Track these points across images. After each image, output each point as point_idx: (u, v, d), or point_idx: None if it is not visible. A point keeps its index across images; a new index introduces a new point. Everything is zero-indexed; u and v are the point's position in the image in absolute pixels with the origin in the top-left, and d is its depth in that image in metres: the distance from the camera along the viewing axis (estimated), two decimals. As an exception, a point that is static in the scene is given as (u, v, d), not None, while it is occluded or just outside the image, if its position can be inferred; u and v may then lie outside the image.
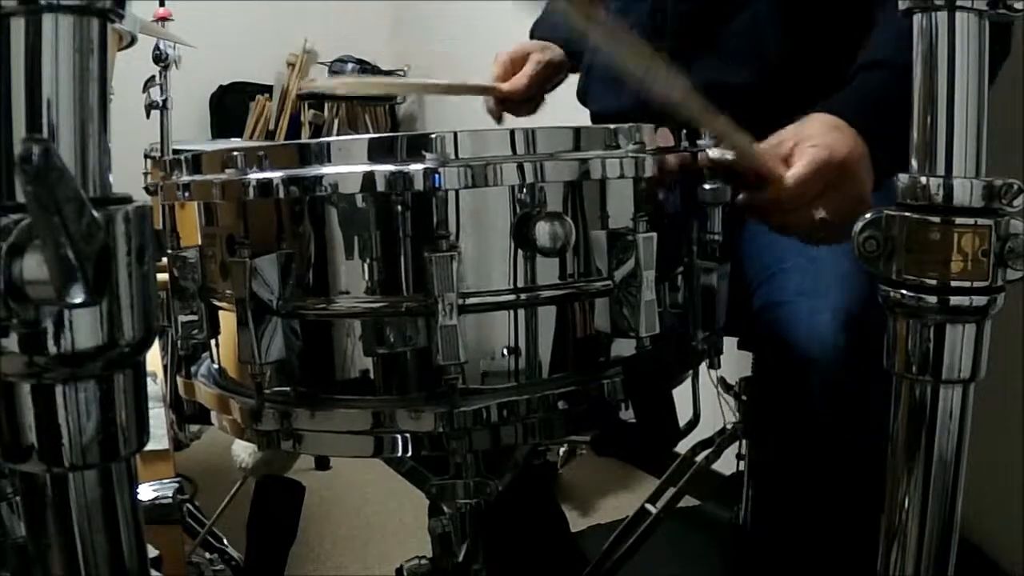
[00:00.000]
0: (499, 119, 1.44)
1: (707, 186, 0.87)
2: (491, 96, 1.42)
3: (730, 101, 1.12)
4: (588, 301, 0.80)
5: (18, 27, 0.40)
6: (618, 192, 0.81)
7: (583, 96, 1.39)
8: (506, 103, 1.42)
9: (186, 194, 0.84)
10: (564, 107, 1.42)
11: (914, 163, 0.57)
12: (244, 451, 1.58)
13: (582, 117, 1.39)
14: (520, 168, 0.74)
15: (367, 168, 0.74)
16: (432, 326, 0.73)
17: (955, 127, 0.56)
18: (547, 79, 1.42)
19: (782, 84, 1.07)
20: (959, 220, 0.55)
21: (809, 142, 0.86)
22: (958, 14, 0.55)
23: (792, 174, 0.84)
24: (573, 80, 1.43)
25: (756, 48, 1.12)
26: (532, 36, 1.49)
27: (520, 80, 1.38)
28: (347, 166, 0.75)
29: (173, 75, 2.24)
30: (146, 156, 2.44)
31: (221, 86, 3.96)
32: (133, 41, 1.68)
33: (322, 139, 0.90)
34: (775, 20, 1.11)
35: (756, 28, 1.12)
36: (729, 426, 1.51)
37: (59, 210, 0.36)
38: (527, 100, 1.42)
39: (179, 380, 0.93)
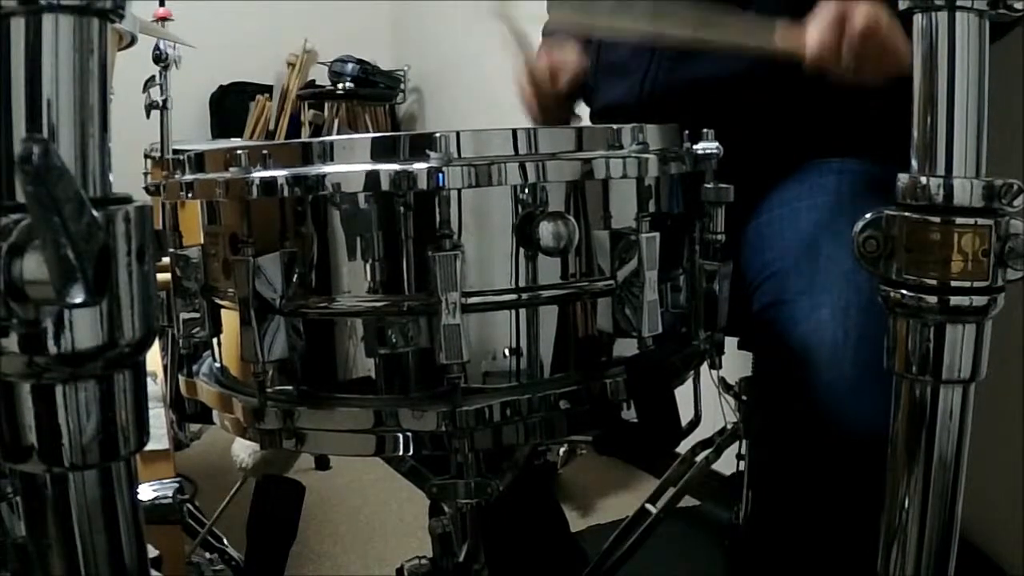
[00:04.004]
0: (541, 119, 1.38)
1: (710, 185, 0.87)
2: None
3: (736, 92, 1.12)
4: (590, 301, 0.80)
5: (18, 27, 0.40)
6: (621, 192, 0.81)
7: (590, 90, 1.38)
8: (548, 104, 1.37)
9: (189, 193, 0.84)
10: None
11: (914, 163, 0.57)
12: (244, 451, 1.57)
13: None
14: (523, 168, 0.74)
15: (371, 167, 0.74)
16: (434, 325, 0.73)
17: (955, 127, 0.56)
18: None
19: (788, 76, 1.07)
20: (959, 220, 0.55)
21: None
22: (958, 14, 0.55)
23: (807, 38, 0.96)
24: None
25: None
26: (545, 32, 1.47)
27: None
28: (350, 165, 0.75)
29: (173, 75, 2.24)
30: (146, 156, 2.45)
31: (221, 86, 3.96)
32: (133, 41, 1.68)
33: (325, 138, 0.90)
34: (782, 14, 1.10)
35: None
36: (729, 426, 1.51)
37: (59, 210, 0.36)
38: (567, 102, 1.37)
39: (181, 379, 0.93)
